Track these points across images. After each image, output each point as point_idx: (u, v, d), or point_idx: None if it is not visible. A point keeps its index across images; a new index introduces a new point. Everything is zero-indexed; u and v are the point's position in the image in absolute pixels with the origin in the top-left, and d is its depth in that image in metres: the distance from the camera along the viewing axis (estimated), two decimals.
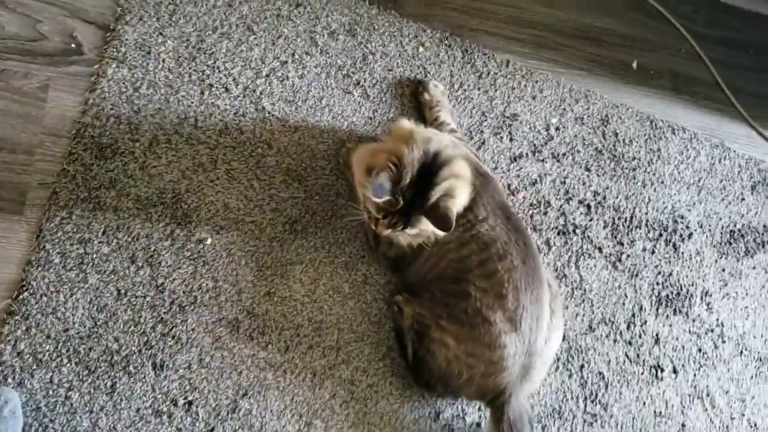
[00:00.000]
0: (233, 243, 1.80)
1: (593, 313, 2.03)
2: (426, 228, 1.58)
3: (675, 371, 2.07)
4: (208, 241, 1.79)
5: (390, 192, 1.48)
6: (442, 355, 1.68)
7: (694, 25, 2.49)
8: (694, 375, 2.08)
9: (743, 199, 2.31)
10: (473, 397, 1.79)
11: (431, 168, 1.53)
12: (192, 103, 1.87)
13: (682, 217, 2.21)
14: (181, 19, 1.92)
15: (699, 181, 2.27)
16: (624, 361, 2.03)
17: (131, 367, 1.67)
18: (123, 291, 1.71)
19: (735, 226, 2.27)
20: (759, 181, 2.34)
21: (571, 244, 2.07)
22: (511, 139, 2.12)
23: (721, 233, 2.24)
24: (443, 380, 1.73)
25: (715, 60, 2.44)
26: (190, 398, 1.69)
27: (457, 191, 1.56)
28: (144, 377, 1.67)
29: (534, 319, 1.65)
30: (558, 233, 2.07)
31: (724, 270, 2.21)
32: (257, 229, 1.83)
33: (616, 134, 2.22)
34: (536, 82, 2.21)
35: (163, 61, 1.88)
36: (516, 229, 1.71)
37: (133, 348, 1.68)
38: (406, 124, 1.68)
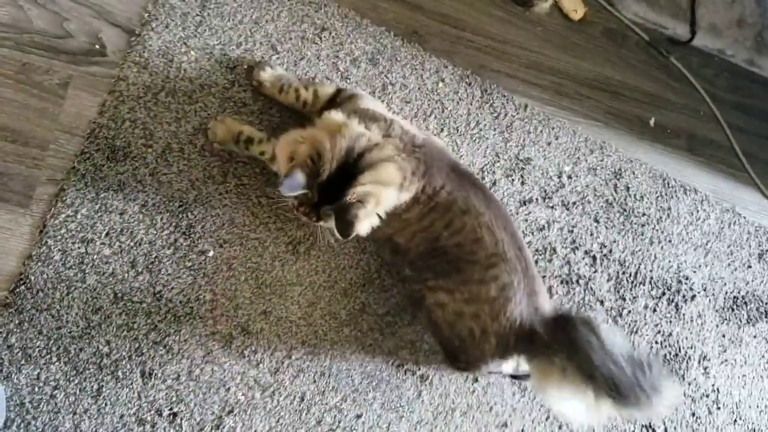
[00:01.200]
0: (235, 258, 1.80)
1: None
2: (329, 219, 1.53)
3: None
4: (210, 254, 1.78)
5: (304, 187, 1.45)
6: (443, 318, 1.66)
7: (714, 88, 2.49)
8: None
9: (749, 267, 2.29)
10: (502, 351, 1.63)
11: (353, 168, 1.48)
12: (209, 115, 1.87)
13: (687, 278, 2.19)
14: (206, 31, 1.94)
15: (707, 243, 2.26)
16: (615, 418, 2.00)
17: (120, 372, 1.65)
18: (120, 295, 1.70)
19: (739, 292, 2.25)
20: (767, 250, 2.33)
21: (574, 294, 2.06)
22: (522, 183, 2.11)
23: (725, 298, 2.22)
24: (464, 348, 1.66)
25: (733, 125, 2.44)
26: (175, 410, 1.67)
27: (371, 200, 1.50)
28: (131, 384, 1.66)
29: (516, 248, 1.65)
30: (561, 282, 2.05)
31: (724, 336, 2.19)
32: (260, 247, 1.82)
33: (628, 188, 2.22)
34: (553, 128, 2.21)
35: (185, 71, 1.89)
36: (472, 184, 1.70)
37: (124, 353, 1.67)
38: (339, 116, 1.57)
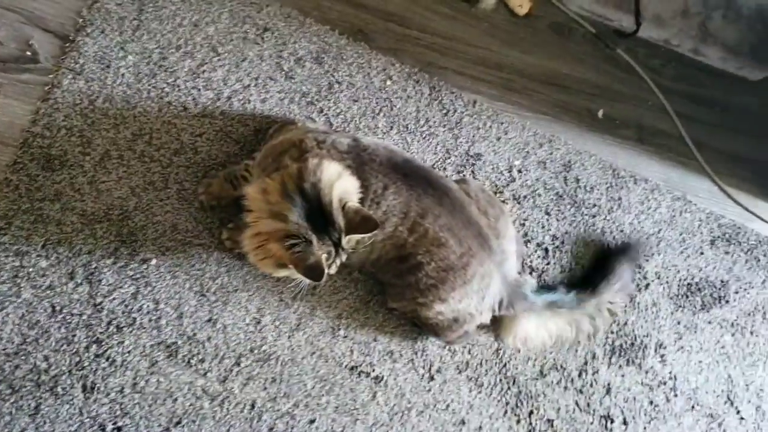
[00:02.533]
0: (179, 265, 1.75)
1: (545, 358, 2.00)
2: (353, 237, 1.54)
3: (625, 423, 2.03)
4: (153, 262, 1.74)
5: (319, 257, 1.44)
6: (442, 320, 1.78)
7: (662, 78, 2.51)
8: (644, 428, 2.05)
9: (702, 253, 2.30)
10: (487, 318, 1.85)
11: (312, 200, 1.45)
12: (148, 119, 1.83)
13: (640, 267, 2.19)
14: (144, 35, 1.89)
15: (659, 232, 2.27)
16: (574, 410, 1.99)
17: (59, 388, 1.60)
18: (58, 308, 1.64)
19: (693, 279, 2.26)
20: (718, 236, 2.34)
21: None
22: (473, 178, 2.10)
23: (679, 286, 2.23)
24: (457, 329, 1.82)
25: (681, 114, 2.46)
26: (119, 424, 1.62)
27: (348, 192, 1.52)
28: (72, 399, 1.60)
29: (476, 234, 1.73)
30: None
31: (679, 323, 2.19)
32: (205, 253, 1.78)
33: (578, 180, 2.22)
34: (502, 123, 2.20)
35: (123, 75, 1.85)
36: (417, 178, 1.70)
37: (63, 368, 1.62)
38: (252, 190, 1.50)
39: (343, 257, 1.54)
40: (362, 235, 1.55)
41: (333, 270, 1.54)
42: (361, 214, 1.49)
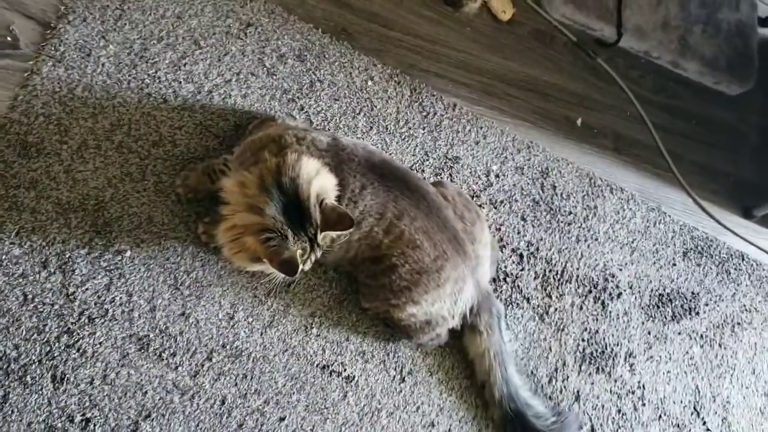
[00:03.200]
0: (153, 258, 1.74)
1: (516, 364, 2.01)
2: (328, 234, 1.55)
3: (593, 430, 2.05)
4: (128, 254, 1.72)
5: (293, 253, 1.45)
6: (414, 322, 1.79)
7: (640, 89, 2.54)
8: None
9: (674, 265, 2.33)
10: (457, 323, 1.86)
11: (289, 195, 1.45)
12: (128, 110, 1.82)
13: (613, 276, 2.22)
14: (126, 25, 1.88)
15: (633, 242, 2.29)
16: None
17: (28, 378, 1.58)
18: (30, 296, 1.62)
19: (664, 290, 2.28)
20: (691, 248, 2.37)
21: (501, 292, 2.06)
22: (451, 181, 2.11)
23: (650, 296, 2.26)
24: (429, 331, 1.83)
25: (658, 125, 2.49)
26: (88, 415, 1.60)
27: (325, 189, 1.52)
28: (41, 389, 1.58)
29: (451, 237, 1.75)
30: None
31: (649, 333, 2.22)
32: (180, 247, 1.77)
33: (555, 187, 2.24)
34: (481, 128, 2.21)
35: (103, 65, 1.83)
36: (394, 179, 1.71)
37: (34, 357, 1.60)
38: (230, 183, 1.51)
39: (318, 254, 1.54)
40: (338, 233, 1.55)
41: (307, 266, 1.54)
42: (337, 212, 1.49)
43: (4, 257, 1.63)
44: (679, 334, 2.26)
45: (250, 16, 2.02)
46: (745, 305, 2.38)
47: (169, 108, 1.86)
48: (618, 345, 2.16)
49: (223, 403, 1.71)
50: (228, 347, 1.75)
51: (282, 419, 1.76)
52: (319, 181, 1.51)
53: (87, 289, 1.67)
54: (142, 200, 1.76)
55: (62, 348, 1.62)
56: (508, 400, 1.85)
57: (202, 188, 1.75)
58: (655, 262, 2.30)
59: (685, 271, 2.34)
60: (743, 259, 2.45)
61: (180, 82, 1.89)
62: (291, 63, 2.03)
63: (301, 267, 1.47)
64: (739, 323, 2.35)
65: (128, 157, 1.78)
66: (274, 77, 2.00)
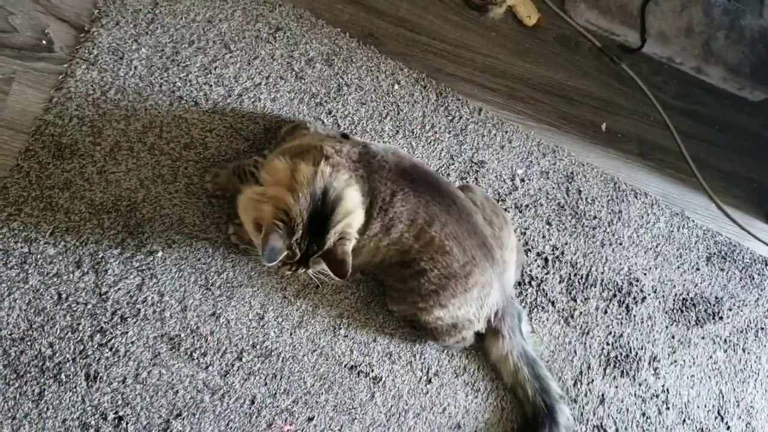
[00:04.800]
0: (184, 259, 1.76)
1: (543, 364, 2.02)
2: (319, 264, 1.55)
3: None
4: (159, 254, 1.75)
5: (284, 249, 1.45)
6: (441, 325, 1.80)
7: (664, 95, 2.54)
8: None
9: (698, 269, 2.33)
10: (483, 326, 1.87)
11: (323, 211, 1.47)
12: (159, 113, 1.84)
13: (637, 281, 2.22)
14: (158, 29, 1.91)
15: (657, 246, 2.30)
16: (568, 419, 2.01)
17: (63, 376, 1.60)
18: (64, 296, 1.65)
19: (688, 294, 2.28)
20: (714, 253, 2.37)
21: (526, 296, 2.07)
22: (477, 186, 2.12)
23: (674, 300, 2.26)
24: (455, 334, 1.84)
25: (682, 131, 2.49)
26: (120, 413, 1.63)
27: (349, 231, 1.53)
28: (75, 387, 1.61)
29: (480, 243, 1.74)
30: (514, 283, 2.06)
31: (673, 337, 2.22)
32: (211, 248, 1.79)
33: (580, 192, 2.24)
34: (506, 132, 2.22)
35: (135, 68, 1.86)
36: (425, 184, 1.71)
37: (68, 355, 1.62)
38: (280, 165, 1.53)
39: (301, 272, 1.54)
40: (327, 270, 1.52)
41: (284, 271, 1.54)
42: (343, 257, 1.48)
43: (39, 257, 1.65)
44: (703, 338, 2.26)
45: (279, 20, 2.05)
46: None
47: (200, 111, 1.88)
48: (642, 349, 2.16)
49: (252, 402, 1.73)
50: (258, 347, 1.77)
51: (311, 419, 1.77)
52: (352, 219, 1.53)
53: (119, 288, 1.70)
54: (174, 202, 1.79)
55: (95, 347, 1.65)
56: (542, 395, 1.87)
57: (231, 187, 1.77)
58: (678, 267, 2.30)
59: (709, 276, 2.34)
60: (766, 265, 2.44)
61: (211, 86, 1.92)
62: (319, 67, 2.05)
63: (277, 264, 1.46)
64: (762, 328, 2.35)
65: (160, 159, 1.81)
66: (303, 81, 2.02)
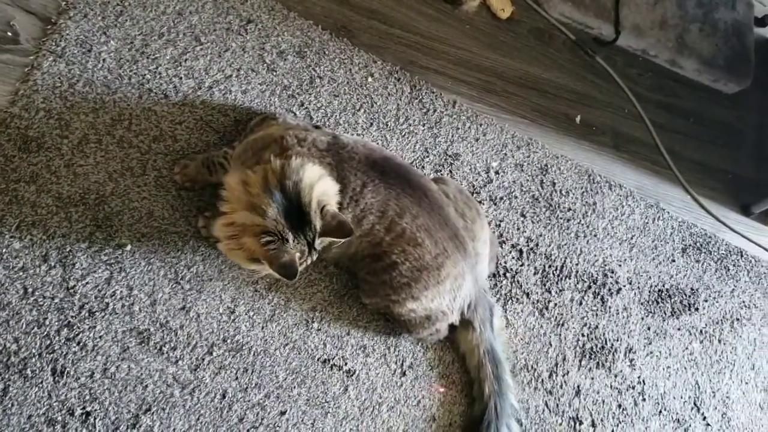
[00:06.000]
0: (154, 252, 1.74)
1: (516, 358, 2.01)
2: (326, 240, 1.56)
3: (593, 425, 2.05)
4: (128, 248, 1.72)
5: (294, 257, 1.46)
6: (414, 317, 1.79)
7: (639, 87, 2.55)
8: (612, 431, 2.07)
9: (673, 261, 2.34)
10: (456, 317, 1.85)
11: (292, 200, 1.47)
12: (128, 105, 1.82)
13: (612, 272, 2.22)
14: (127, 21, 1.89)
15: (632, 238, 2.30)
16: (543, 410, 2.01)
17: (28, 371, 1.58)
18: (30, 290, 1.62)
19: (663, 286, 2.29)
20: (690, 245, 2.38)
21: (501, 287, 2.06)
22: (451, 178, 2.11)
23: (650, 292, 2.26)
24: (433, 330, 1.86)
25: (656, 123, 2.50)
26: (88, 409, 1.60)
27: (327, 195, 1.54)
28: (41, 382, 1.58)
29: (452, 236, 1.75)
30: (488, 275, 2.05)
31: (649, 328, 2.22)
32: (180, 241, 1.77)
33: (554, 184, 2.24)
34: (480, 125, 2.22)
35: (104, 60, 1.83)
36: (396, 176, 1.71)
37: (34, 351, 1.59)
38: (232, 181, 1.52)
39: (314, 257, 1.55)
40: (336, 239, 1.56)
41: (302, 268, 1.54)
42: (337, 219, 1.51)
43: (4, 251, 1.63)
44: (679, 329, 2.26)
45: (251, 12, 2.03)
46: (744, 301, 2.39)
47: (170, 103, 1.86)
48: (618, 340, 2.16)
49: (223, 397, 1.71)
50: (229, 341, 1.75)
51: (283, 413, 1.75)
52: (322, 187, 1.52)
53: (87, 282, 1.67)
54: (143, 195, 1.76)
55: (62, 341, 1.62)
56: (496, 399, 1.84)
57: (200, 179, 1.76)
58: (654, 258, 2.31)
59: (684, 267, 2.35)
60: (742, 256, 2.45)
61: (181, 78, 1.90)
62: (291, 59, 2.04)
63: (300, 266, 1.48)
64: (738, 319, 2.36)
65: (129, 151, 1.79)
66: (275, 73, 2.00)
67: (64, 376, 1.60)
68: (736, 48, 2.64)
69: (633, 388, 2.14)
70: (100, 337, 1.65)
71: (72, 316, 1.64)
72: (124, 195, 1.75)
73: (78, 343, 1.63)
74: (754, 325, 2.37)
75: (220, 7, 2.00)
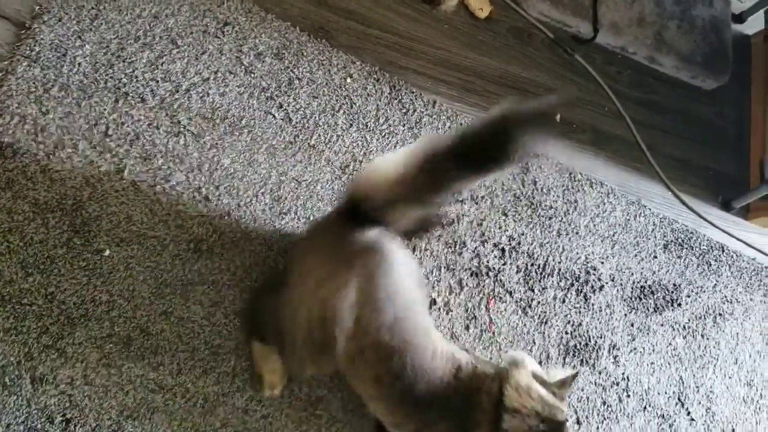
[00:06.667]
0: (133, 257, 1.73)
1: (500, 358, 2.01)
2: None
3: (578, 422, 2.05)
4: (107, 253, 1.71)
5: None
6: None
7: (618, 85, 2.56)
8: (597, 427, 2.07)
9: (655, 257, 2.34)
10: None
11: None
12: (105, 110, 1.81)
13: (595, 269, 2.22)
14: (102, 25, 1.87)
15: (613, 235, 2.30)
16: None
17: (7, 379, 1.56)
18: (8, 297, 1.60)
19: (646, 282, 2.29)
20: (671, 241, 2.39)
21: (484, 286, 2.06)
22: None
23: (632, 288, 2.27)
24: None
25: (636, 120, 2.51)
26: (68, 416, 1.58)
27: None
28: (20, 390, 1.56)
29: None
30: (471, 274, 2.05)
31: (632, 324, 2.22)
32: (159, 245, 1.75)
33: (535, 182, 2.24)
34: (461, 124, 2.22)
35: (79, 65, 1.82)
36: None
37: (12, 358, 1.57)
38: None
39: None
40: None
41: None
42: None
43: None
44: (662, 325, 2.27)
45: (228, 15, 2.02)
46: (726, 296, 2.40)
47: (147, 107, 1.85)
48: (601, 337, 2.16)
49: (206, 401, 1.70)
50: (210, 345, 1.74)
51: (265, 417, 1.74)
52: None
53: (66, 289, 1.65)
54: (121, 199, 1.75)
55: (41, 348, 1.60)
56: None
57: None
58: (636, 255, 2.31)
59: (666, 263, 2.35)
60: (723, 251, 2.47)
61: (158, 81, 1.88)
62: (269, 61, 2.03)
63: None
64: (720, 314, 2.37)
65: (106, 156, 1.77)
66: (252, 75, 2.00)
67: (44, 384, 1.58)
68: (714, 44, 2.66)
69: (617, 384, 2.14)
70: (80, 343, 1.63)
71: (51, 323, 1.62)
72: (101, 200, 1.73)
73: (57, 350, 1.61)
74: (737, 320, 2.38)
75: (196, 10, 1.99)
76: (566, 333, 2.12)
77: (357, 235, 1.42)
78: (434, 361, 1.46)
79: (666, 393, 2.20)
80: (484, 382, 1.46)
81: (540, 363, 2.04)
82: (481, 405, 1.43)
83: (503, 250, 2.13)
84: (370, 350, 1.40)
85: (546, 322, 2.10)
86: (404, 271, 1.46)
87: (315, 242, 1.56)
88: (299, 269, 1.51)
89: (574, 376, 1.48)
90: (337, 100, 2.08)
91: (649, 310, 2.26)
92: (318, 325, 1.43)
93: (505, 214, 2.17)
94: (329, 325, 1.40)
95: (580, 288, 2.18)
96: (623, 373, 2.16)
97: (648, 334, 2.24)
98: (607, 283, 2.23)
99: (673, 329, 2.28)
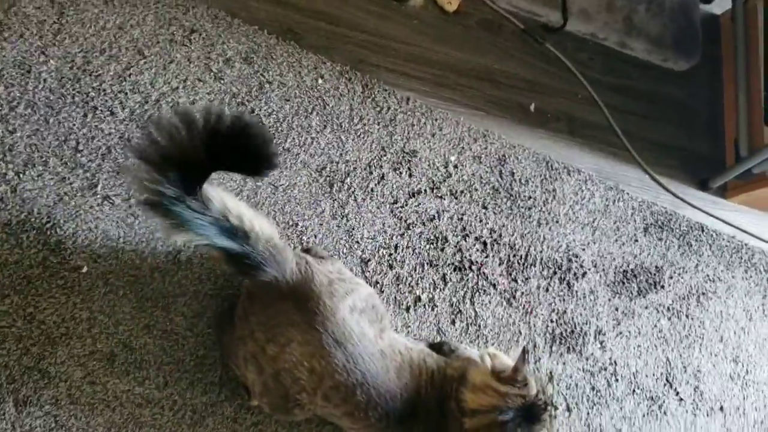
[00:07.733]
0: (111, 272, 1.71)
1: (486, 347, 2.01)
2: None
3: (569, 409, 2.06)
4: (84, 270, 1.69)
5: None
6: None
7: (590, 71, 2.56)
8: (588, 413, 2.07)
9: (636, 241, 2.35)
10: None
11: None
12: (74, 125, 1.78)
13: (577, 257, 2.23)
14: (66, 39, 1.85)
15: (593, 221, 2.31)
16: None
17: None
18: None
19: (628, 266, 2.30)
20: (651, 223, 2.40)
21: (467, 280, 2.05)
22: (410, 175, 2.10)
23: (615, 273, 2.27)
24: None
25: (610, 106, 2.51)
26: None
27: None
28: (3, 414, 1.54)
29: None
30: (454, 269, 2.05)
31: (617, 309, 2.23)
32: (138, 258, 1.74)
33: (513, 174, 2.24)
34: (436, 120, 2.21)
35: (45, 80, 1.80)
36: None
37: None
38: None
39: None
40: None
41: None
42: None
43: None
44: (646, 308, 2.27)
45: (194, 22, 2.00)
46: (708, 275, 2.41)
47: (117, 120, 1.83)
48: (587, 323, 2.17)
49: (194, 412, 1.69)
50: (194, 356, 1.72)
51: (256, 425, 1.73)
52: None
53: (45, 308, 1.63)
54: (96, 215, 1.73)
55: (23, 370, 1.58)
56: None
57: None
58: (617, 240, 2.32)
59: (648, 246, 2.36)
60: (703, 231, 2.48)
61: (126, 93, 1.86)
62: (238, 66, 2.01)
63: None
64: (704, 293, 2.38)
65: (78, 172, 1.75)
66: (222, 82, 1.98)
67: (28, 406, 1.57)
68: (683, 26, 2.67)
69: (605, 369, 2.15)
70: (63, 362, 1.62)
71: (31, 344, 1.60)
72: (75, 216, 1.71)
73: (39, 371, 1.59)
74: (720, 298, 2.40)
75: (161, 19, 1.97)
76: (551, 321, 2.12)
77: (281, 283, 1.42)
78: (402, 378, 1.47)
79: (654, 375, 2.21)
80: (452, 386, 1.50)
81: (527, 353, 2.05)
82: (453, 412, 1.47)
83: (485, 243, 2.13)
84: (333, 393, 1.41)
85: (531, 312, 2.10)
86: (344, 304, 1.44)
87: (254, 300, 1.50)
88: (243, 325, 1.49)
89: (524, 352, 1.50)
90: (309, 102, 2.07)
91: (632, 294, 2.27)
92: (272, 382, 1.45)
93: (485, 207, 2.17)
94: (284, 381, 1.42)
95: (563, 276, 2.19)
96: (610, 358, 2.17)
97: (633, 317, 2.24)
98: (589, 269, 2.23)
99: (658, 311, 2.29)
